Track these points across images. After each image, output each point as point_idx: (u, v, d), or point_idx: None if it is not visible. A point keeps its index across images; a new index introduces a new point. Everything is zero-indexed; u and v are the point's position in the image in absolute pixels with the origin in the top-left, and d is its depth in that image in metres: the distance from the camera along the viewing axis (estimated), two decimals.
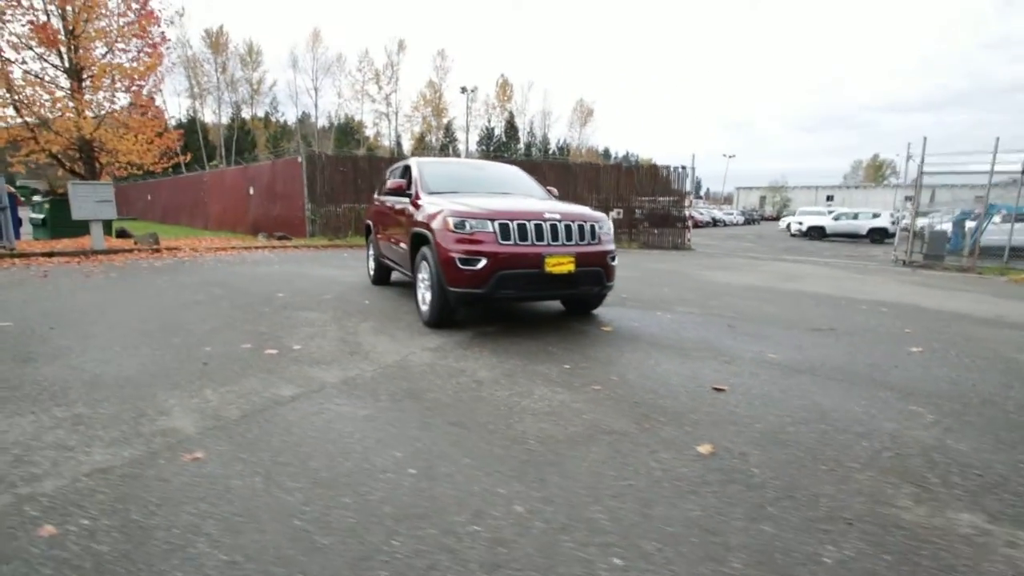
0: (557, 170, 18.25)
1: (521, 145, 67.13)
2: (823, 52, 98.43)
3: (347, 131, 56.82)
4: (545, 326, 4.49)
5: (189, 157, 23.82)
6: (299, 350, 3.63)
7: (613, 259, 4.36)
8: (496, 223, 3.94)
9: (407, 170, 5.76)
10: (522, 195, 5.21)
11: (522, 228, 3.98)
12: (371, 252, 6.83)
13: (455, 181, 5.15)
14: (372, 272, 6.75)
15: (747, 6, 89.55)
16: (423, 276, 4.46)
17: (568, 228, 4.11)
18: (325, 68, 53.38)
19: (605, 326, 4.52)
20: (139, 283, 6.48)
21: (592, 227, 4.26)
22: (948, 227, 13.45)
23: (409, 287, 6.53)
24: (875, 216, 23.03)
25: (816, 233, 24.43)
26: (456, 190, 4.90)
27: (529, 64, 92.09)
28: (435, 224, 4.12)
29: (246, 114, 56.11)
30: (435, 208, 4.36)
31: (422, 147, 57.96)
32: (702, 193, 77.98)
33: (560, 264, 4.00)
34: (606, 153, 74.08)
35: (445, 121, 62.90)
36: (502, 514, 1.73)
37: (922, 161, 12.67)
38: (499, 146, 64.76)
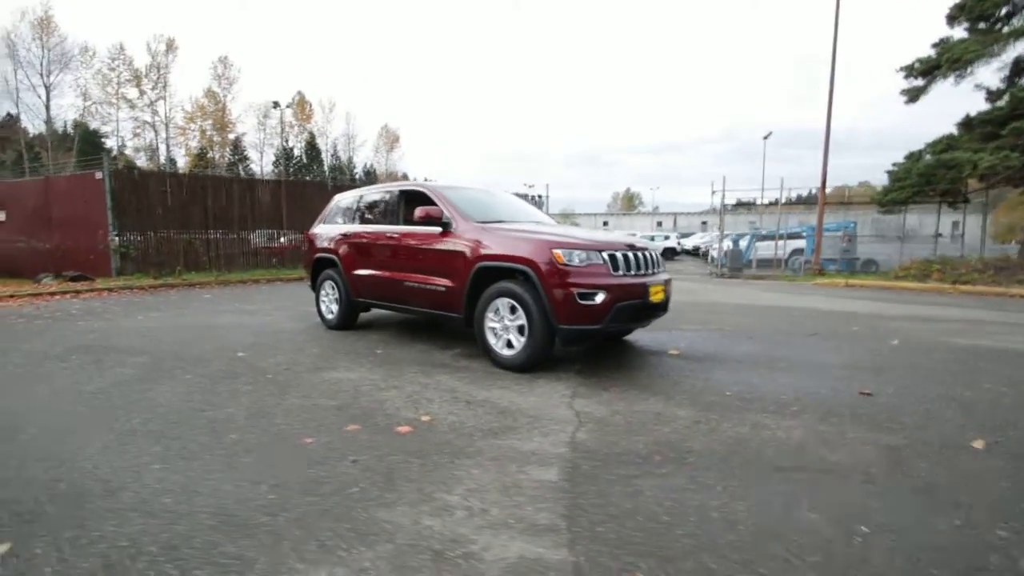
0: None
1: (325, 168, 62.89)
2: (588, 100, 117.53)
3: (91, 140, 44.88)
4: (623, 357, 4.42)
5: None
6: (428, 421, 2.89)
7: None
8: (605, 254, 3.78)
9: (412, 197, 5.07)
10: (548, 222, 5.07)
11: (626, 259, 3.90)
12: (329, 292, 5.71)
13: (481, 208, 4.73)
14: (333, 314, 5.64)
15: (537, 59, 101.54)
16: (496, 316, 3.97)
17: (649, 257, 4.17)
18: (62, 62, 41.56)
19: (672, 350, 4.69)
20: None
21: (658, 255, 4.40)
22: (731, 245, 17.42)
23: (390, 327, 5.69)
24: (666, 238, 28.32)
25: None
26: (487, 218, 4.51)
27: (329, 85, 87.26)
28: (535, 256, 3.74)
29: None
30: (515, 238, 3.97)
31: (203, 164, 49.55)
32: None
33: (657, 292, 4.03)
34: (404, 178, 74.15)
35: (232, 137, 55.21)
36: None
37: (723, 195, 16.17)
38: (300, 168, 59.63)
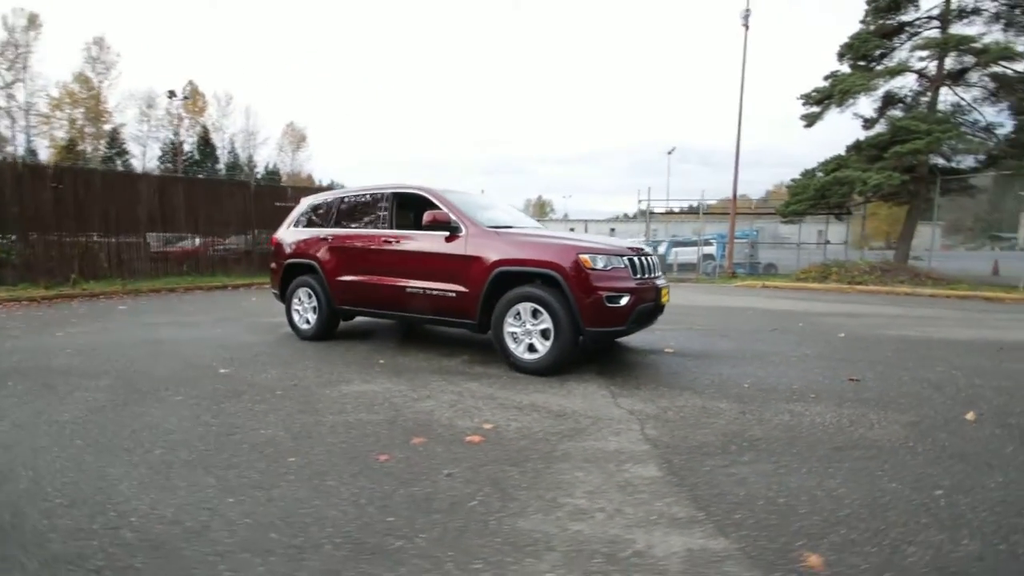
0: (266, 194, 14.49)
1: (221, 165, 57.70)
2: (500, 110, 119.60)
3: None
4: (626, 356, 4.58)
5: None
6: (492, 428, 2.82)
7: None
8: (625, 259, 3.92)
9: (407, 200, 4.91)
10: (541, 227, 5.13)
11: (642, 264, 4.07)
12: (304, 301, 5.31)
13: (483, 212, 4.68)
14: (309, 324, 5.26)
15: (438, 66, 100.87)
16: (516, 320, 3.96)
17: (653, 261, 4.39)
18: None
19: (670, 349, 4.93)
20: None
21: (657, 260, 4.65)
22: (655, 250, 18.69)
23: (371, 336, 5.45)
24: None
25: None
26: (494, 223, 4.50)
27: (226, 76, 79.82)
28: (562, 261, 3.78)
29: None
30: (538, 244, 4.01)
31: (72, 157, 43.24)
32: None
33: (665, 295, 4.26)
34: (310, 180, 69.66)
35: (108, 127, 48.85)
36: None
37: (649, 204, 17.27)
38: (192, 164, 54.21)
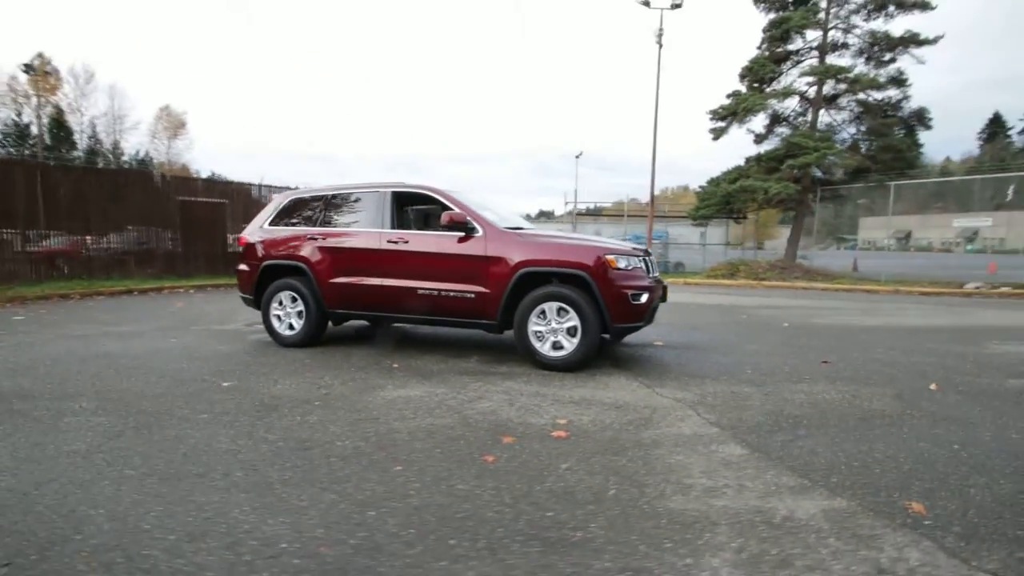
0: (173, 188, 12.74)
1: (79, 152, 50.00)
2: (403, 109, 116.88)
3: None
4: (625, 351, 4.86)
5: None
6: (567, 424, 2.93)
7: None
8: (640, 259, 4.19)
9: (410, 199, 4.81)
10: (535, 227, 5.28)
11: (648, 263, 4.37)
12: (287, 305, 4.95)
13: (493, 213, 4.72)
14: (295, 330, 4.92)
15: (347, 63, 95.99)
16: (541, 319, 4.07)
17: (654, 261, 4.73)
18: None
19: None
20: None
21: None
22: None
23: (360, 340, 5.23)
24: None
25: None
26: (508, 224, 4.58)
27: (87, 50, 68.61)
28: (591, 262, 3.96)
29: None
30: (564, 245, 4.17)
31: None
32: None
33: (666, 292, 4.61)
34: (185, 170, 62.62)
35: None
36: None
37: (575, 204, 18.07)
38: (44, 149, 46.39)
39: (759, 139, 17.41)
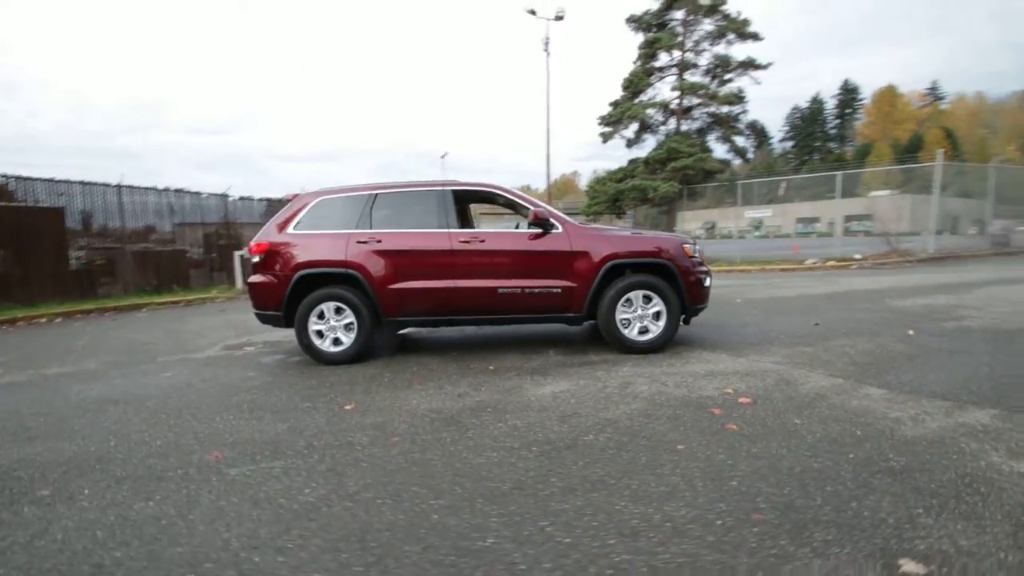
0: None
1: None
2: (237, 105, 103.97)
3: None
4: None
5: None
6: (733, 393, 3.31)
7: None
8: (699, 247, 4.73)
9: (470, 196, 4.74)
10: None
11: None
12: (331, 319, 4.47)
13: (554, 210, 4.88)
14: (344, 345, 4.47)
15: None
16: (627, 307, 4.38)
17: None
18: None
19: None
20: None
21: None
22: None
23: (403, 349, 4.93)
24: None
25: None
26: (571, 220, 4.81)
27: None
28: (674, 251, 4.38)
29: None
30: (644, 238, 4.58)
31: None
32: None
33: None
34: None
35: None
36: None
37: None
38: None
39: (630, 144, 19.63)
